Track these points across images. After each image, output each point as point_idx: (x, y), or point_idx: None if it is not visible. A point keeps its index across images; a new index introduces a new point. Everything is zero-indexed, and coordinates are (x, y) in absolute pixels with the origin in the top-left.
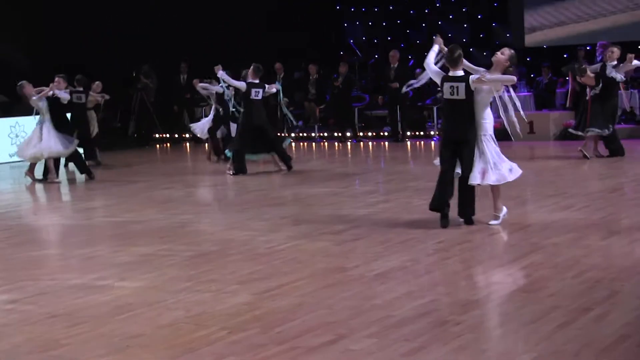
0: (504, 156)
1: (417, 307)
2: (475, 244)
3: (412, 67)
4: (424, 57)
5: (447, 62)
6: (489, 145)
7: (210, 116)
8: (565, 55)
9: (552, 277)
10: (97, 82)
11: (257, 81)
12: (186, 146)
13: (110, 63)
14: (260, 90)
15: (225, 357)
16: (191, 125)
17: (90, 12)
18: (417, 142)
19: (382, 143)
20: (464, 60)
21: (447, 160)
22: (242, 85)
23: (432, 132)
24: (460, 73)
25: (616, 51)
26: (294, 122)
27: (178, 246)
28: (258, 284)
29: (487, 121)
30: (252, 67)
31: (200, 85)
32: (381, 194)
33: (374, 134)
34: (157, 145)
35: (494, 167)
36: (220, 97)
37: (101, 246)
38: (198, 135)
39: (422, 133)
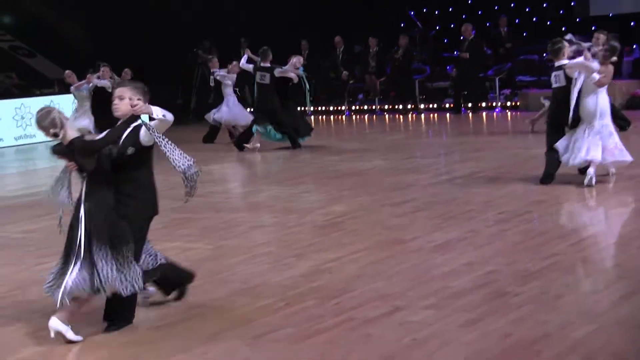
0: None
1: (476, 279)
2: (535, 214)
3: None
4: (486, 28)
5: (550, 53)
6: (598, 127)
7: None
8: (631, 24)
9: (617, 247)
10: (125, 70)
11: (267, 65)
12: None
13: (171, 40)
14: (267, 75)
15: (282, 329)
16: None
17: None
18: (479, 114)
19: (443, 115)
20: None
21: (555, 142)
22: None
23: (493, 104)
24: (564, 62)
25: None
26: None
27: (236, 219)
28: (316, 255)
29: (595, 103)
30: (260, 51)
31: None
32: (442, 165)
33: (435, 105)
34: None
35: (606, 147)
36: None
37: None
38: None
39: (484, 105)
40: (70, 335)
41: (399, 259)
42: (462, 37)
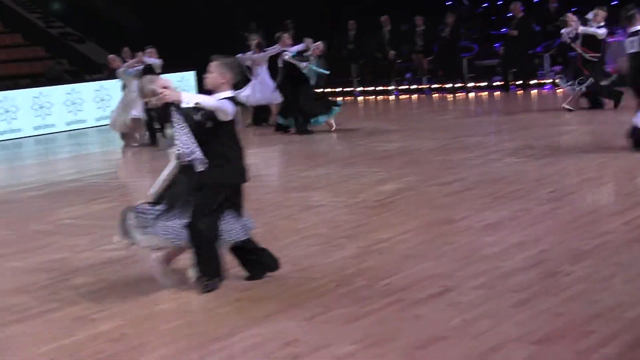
0: None
1: (527, 258)
2: (586, 192)
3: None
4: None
5: (624, 20)
6: None
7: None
8: None
9: None
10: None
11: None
12: None
13: (219, 22)
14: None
15: (332, 310)
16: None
17: None
18: (529, 91)
19: (492, 93)
20: None
21: None
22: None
23: (543, 81)
24: (638, 27)
25: None
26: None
27: (286, 200)
28: (365, 236)
29: None
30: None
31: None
32: (491, 144)
33: (484, 84)
34: None
35: None
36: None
37: None
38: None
39: (533, 82)
40: (163, 280)
41: (448, 239)
42: (510, 15)
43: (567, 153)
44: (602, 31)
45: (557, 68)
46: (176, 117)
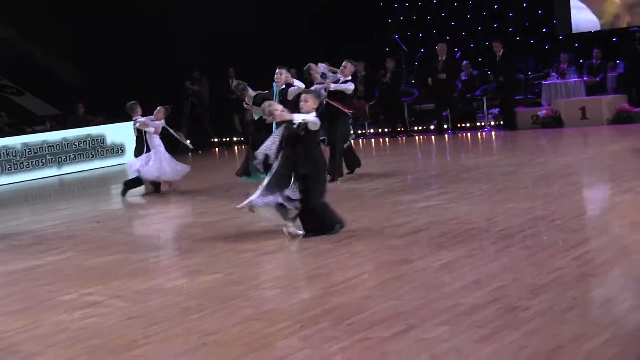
0: None
1: (486, 294)
2: (537, 230)
3: (459, 59)
4: (470, 49)
5: None
6: None
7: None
8: (614, 39)
9: (618, 260)
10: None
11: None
12: (237, 149)
13: (161, 71)
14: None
15: (300, 350)
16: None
17: (135, 23)
18: (466, 134)
19: (432, 136)
20: None
21: None
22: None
23: (482, 123)
24: None
25: None
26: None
27: (241, 247)
28: (325, 278)
29: None
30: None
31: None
32: (436, 187)
33: (424, 127)
34: (217, 149)
35: None
36: None
37: (165, 250)
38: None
39: (470, 124)
40: (293, 230)
41: (407, 279)
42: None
43: (511, 193)
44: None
45: (496, 111)
46: (278, 131)
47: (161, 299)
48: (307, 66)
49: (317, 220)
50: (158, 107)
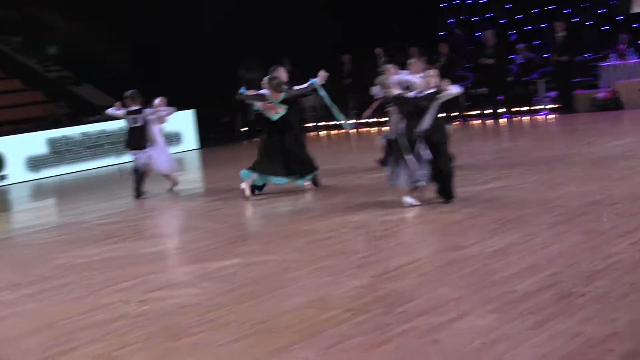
0: None
1: (539, 281)
2: (594, 215)
3: (513, 42)
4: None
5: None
6: None
7: None
8: None
9: None
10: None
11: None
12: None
13: (215, 60)
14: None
15: (352, 338)
16: None
17: (190, 12)
18: (523, 118)
19: (487, 121)
20: None
21: None
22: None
23: (539, 107)
24: None
25: None
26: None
27: (294, 234)
28: (376, 265)
29: None
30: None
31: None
32: (492, 171)
33: (481, 112)
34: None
35: None
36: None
37: (221, 237)
38: None
39: (527, 108)
40: (411, 200)
41: (459, 265)
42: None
43: (570, 176)
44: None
45: (553, 94)
46: (433, 107)
47: (215, 286)
48: (381, 74)
49: (443, 184)
50: (159, 98)
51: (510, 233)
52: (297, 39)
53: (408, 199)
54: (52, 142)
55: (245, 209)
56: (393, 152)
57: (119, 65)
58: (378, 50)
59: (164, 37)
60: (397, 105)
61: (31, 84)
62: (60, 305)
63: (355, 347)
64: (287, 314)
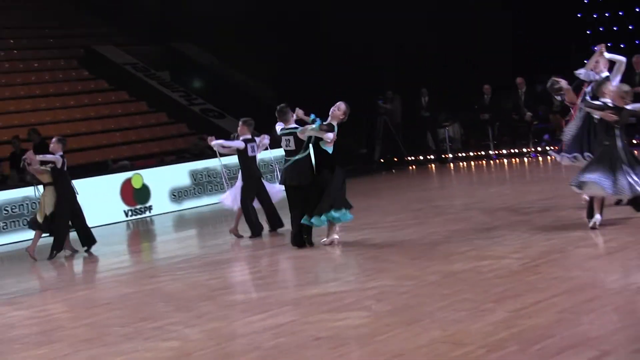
0: None
1: None
2: None
3: None
4: None
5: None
6: None
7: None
8: None
9: None
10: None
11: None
12: (431, 167)
13: (353, 92)
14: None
15: None
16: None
17: (327, 44)
18: None
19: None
20: None
21: None
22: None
23: None
24: None
25: None
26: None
27: (426, 268)
28: (513, 301)
29: None
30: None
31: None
32: None
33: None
34: (411, 167)
35: None
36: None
37: (351, 271)
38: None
39: None
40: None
41: (601, 302)
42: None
43: None
44: None
45: None
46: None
47: (348, 319)
48: (550, 81)
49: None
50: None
51: None
52: (435, 67)
53: (598, 217)
54: (193, 174)
55: (378, 240)
56: (605, 163)
57: (261, 97)
58: (520, 80)
59: (307, 72)
60: (619, 116)
61: (175, 116)
62: (194, 336)
63: None
64: (422, 348)
